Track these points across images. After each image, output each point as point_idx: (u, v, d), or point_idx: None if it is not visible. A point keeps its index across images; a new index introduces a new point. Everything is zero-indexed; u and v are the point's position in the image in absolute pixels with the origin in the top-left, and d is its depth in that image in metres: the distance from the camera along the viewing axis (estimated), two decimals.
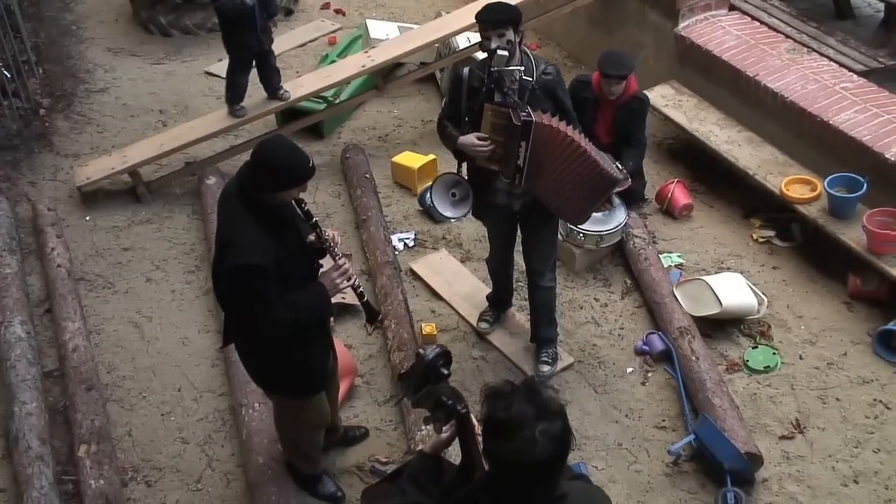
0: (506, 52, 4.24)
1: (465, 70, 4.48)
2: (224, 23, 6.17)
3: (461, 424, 2.79)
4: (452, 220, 4.86)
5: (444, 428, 2.82)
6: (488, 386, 2.50)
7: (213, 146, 6.78)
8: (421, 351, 3.00)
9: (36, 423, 4.67)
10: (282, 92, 6.48)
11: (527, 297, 5.18)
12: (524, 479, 2.40)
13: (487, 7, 4.39)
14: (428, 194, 5.87)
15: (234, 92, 6.44)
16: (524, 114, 4.18)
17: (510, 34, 4.25)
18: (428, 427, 4.18)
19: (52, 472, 4.48)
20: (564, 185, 4.38)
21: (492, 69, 4.28)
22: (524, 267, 5.00)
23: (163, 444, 4.80)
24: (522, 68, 4.33)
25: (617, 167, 4.52)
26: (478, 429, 2.77)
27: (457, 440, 2.83)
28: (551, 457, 2.36)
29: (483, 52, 4.37)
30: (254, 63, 6.36)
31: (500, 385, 2.49)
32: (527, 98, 4.32)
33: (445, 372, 2.96)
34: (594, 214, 5.40)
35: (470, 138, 4.35)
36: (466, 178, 4.62)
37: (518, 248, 4.97)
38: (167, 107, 7.53)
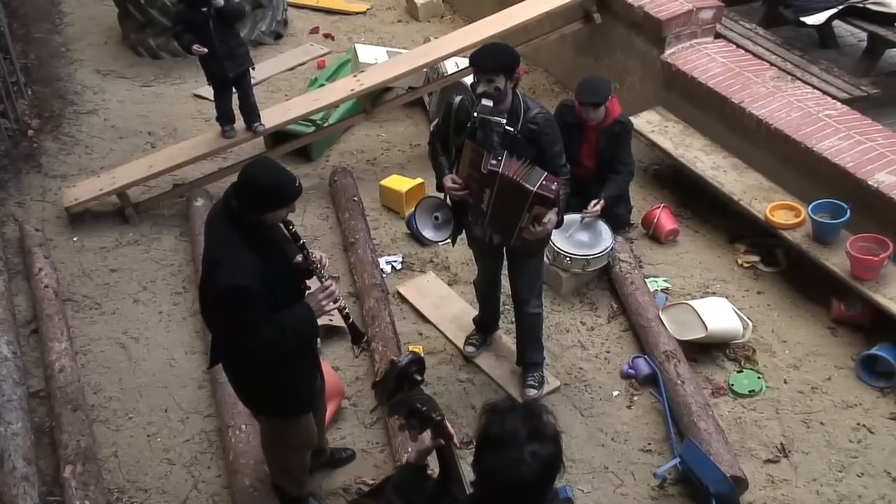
0: (489, 103, 4.18)
1: (457, 100, 4.47)
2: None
3: (436, 431, 2.80)
4: (437, 244, 4.88)
5: (418, 435, 2.83)
6: (489, 401, 2.54)
7: (202, 168, 6.79)
8: (394, 358, 3.04)
9: (21, 443, 4.64)
10: (255, 125, 6.48)
11: (513, 320, 5.20)
12: (509, 498, 2.42)
13: (482, 49, 4.33)
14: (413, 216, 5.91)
15: (220, 115, 6.47)
16: (493, 162, 4.17)
17: (500, 81, 4.17)
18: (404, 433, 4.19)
19: (37, 492, 4.45)
20: (508, 219, 4.37)
21: (474, 115, 4.25)
22: (511, 291, 5.03)
23: (149, 466, 4.78)
24: (504, 121, 4.24)
25: (549, 186, 4.25)
26: (456, 439, 2.80)
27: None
28: (538, 478, 2.39)
29: (473, 91, 4.34)
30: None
31: (501, 401, 2.53)
32: (506, 144, 4.29)
33: (419, 378, 2.99)
34: (580, 238, 5.46)
35: (447, 180, 4.42)
36: (450, 203, 4.66)
37: (505, 271, 5.00)
38: (156, 129, 7.55)
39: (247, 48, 6.32)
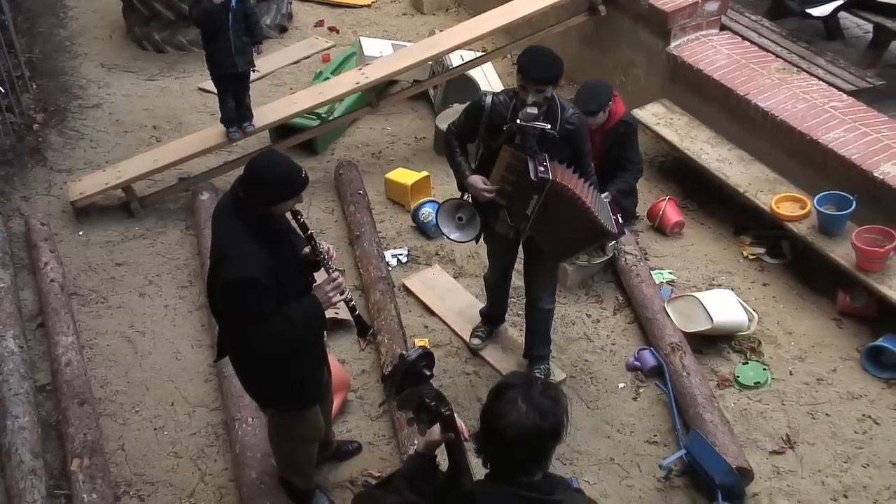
0: (535, 111, 4.17)
1: (488, 100, 4.41)
2: (203, 36, 6.23)
3: (445, 426, 2.81)
4: (461, 243, 4.87)
5: (427, 430, 2.84)
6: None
7: (207, 162, 6.80)
8: (403, 353, 3.04)
9: (28, 437, 4.66)
10: (246, 125, 6.48)
11: (519, 312, 5.20)
12: (507, 448, 2.53)
13: (534, 59, 4.21)
14: (430, 220, 5.91)
15: (223, 113, 6.47)
16: (541, 169, 4.17)
17: (549, 91, 4.20)
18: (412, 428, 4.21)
19: (44, 486, 4.47)
20: (561, 233, 4.44)
21: (518, 121, 4.22)
22: (519, 283, 5.03)
23: (156, 459, 4.79)
24: (548, 126, 4.24)
25: (615, 221, 4.55)
26: (464, 432, 2.82)
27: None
28: (534, 427, 2.51)
29: (517, 98, 4.30)
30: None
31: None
32: (546, 145, 4.30)
33: (428, 373, 2.99)
34: None
35: (477, 182, 4.39)
36: (469, 200, 4.65)
37: (517, 266, 5.00)
38: (161, 123, 7.55)
39: (252, 50, 6.31)
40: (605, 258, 5.67)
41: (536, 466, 2.60)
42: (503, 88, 4.69)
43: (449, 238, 4.76)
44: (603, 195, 5.53)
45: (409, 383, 2.96)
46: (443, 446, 2.83)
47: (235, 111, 6.45)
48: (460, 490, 2.71)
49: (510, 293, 5.34)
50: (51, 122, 7.43)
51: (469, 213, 4.63)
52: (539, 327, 4.99)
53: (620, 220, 4.61)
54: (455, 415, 2.85)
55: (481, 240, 4.82)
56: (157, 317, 5.69)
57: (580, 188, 4.30)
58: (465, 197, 4.66)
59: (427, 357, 3.02)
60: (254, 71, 6.44)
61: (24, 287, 5.86)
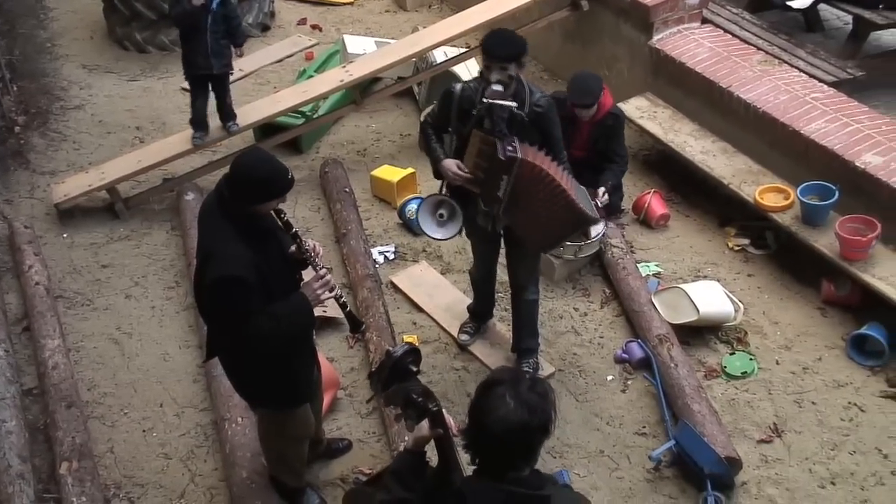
0: (500, 89, 4.20)
1: (458, 87, 4.47)
2: (180, 36, 6.21)
3: (433, 421, 2.81)
4: (443, 241, 4.88)
5: (415, 426, 2.84)
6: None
7: (191, 162, 6.78)
8: (390, 349, 3.04)
9: (16, 441, 4.64)
10: (230, 124, 6.48)
11: (507, 307, 5.22)
12: (495, 443, 2.54)
13: (495, 38, 4.32)
14: (414, 217, 5.90)
15: (193, 116, 6.45)
16: (510, 148, 4.18)
17: (513, 69, 4.23)
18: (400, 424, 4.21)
19: (33, 490, 4.45)
20: (539, 219, 4.41)
21: (484, 99, 4.25)
22: (505, 279, 5.04)
23: (145, 460, 4.78)
24: (515, 105, 4.27)
25: (594, 206, 4.56)
26: (452, 427, 2.83)
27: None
28: (521, 422, 2.51)
29: (481, 78, 4.34)
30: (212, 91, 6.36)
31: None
32: (515, 129, 4.31)
33: (414, 369, 2.99)
34: None
35: (450, 165, 4.40)
36: (449, 195, 4.65)
37: (502, 260, 5.01)
38: (144, 123, 7.52)
39: (231, 52, 6.28)
40: (592, 251, 5.67)
41: (525, 462, 2.61)
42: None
43: (432, 237, 4.76)
44: (599, 189, 5.57)
45: (395, 380, 2.96)
46: (433, 442, 2.84)
47: (219, 112, 6.44)
48: (450, 486, 2.71)
49: (497, 288, 5.35)
50: (33, 124, 7.38)
51: (450, 210, 4.64)
52: (526, 319, 5.00)
53: (600, 206, 4.62)
54: (443, 410, 2.85)
55: (465, 234, 4.83)
56: (144, 318, 5.67)
57: (553, 169, 4.28)
58: (443, 189, 4.66)
59: (413, 353, 3.02)
60: (232, 73, 6.41)
61: (9, 290, 5.82)
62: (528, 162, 4.20)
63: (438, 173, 4.56)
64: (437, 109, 4.64)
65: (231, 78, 6.47)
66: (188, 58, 6.20)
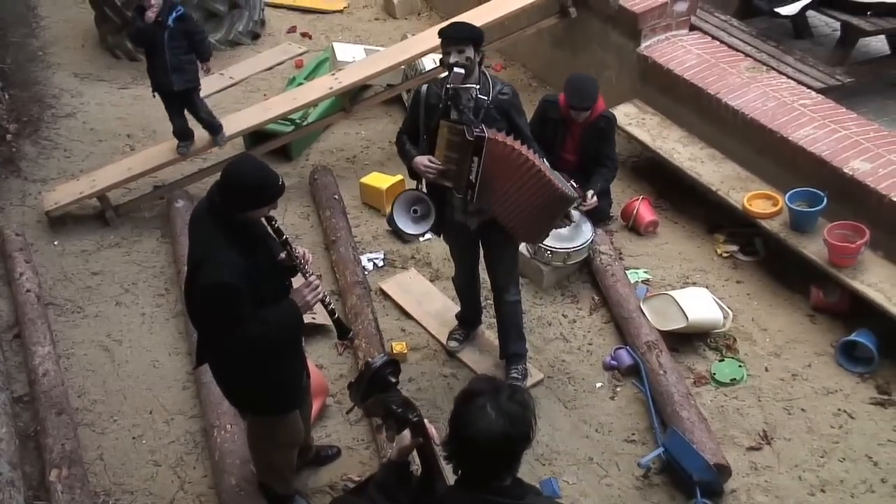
0: (462, 71, 4.31)
1: (424, 87, 4.55)
2: (144, 53, 6.19)
3: (414, 431, 2.81)
4: (417, 238, 4.90)
5: (396, 436, 2.84)
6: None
7: (182, 169, 6.78)
8: (369, 360, 3.04)
9: (6, 448, 4.63)
10: (217, 137, 6.48)
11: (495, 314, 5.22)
12: (477, 454, 2.54)
13: (451, 24, 4.52)
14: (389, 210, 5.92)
15: (174, 129, 6.44)
16: (477, 130, 4.26)
17: (470, 52, 4.33)
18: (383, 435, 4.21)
19: (23, 497, 4.45)
20: (519, 204, 4.43)
21: (448, 85, 4.36)
22: (489, 283, 5.05)
23: (135, 468, 4.78)
24: (478, 87, 4.40)
25: (571, 185, 4.58)
26: (434, 437, 2.83)
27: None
28: (503, 433, 2.51)
29: (442, 67, 4.44)
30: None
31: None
32: (481, 116, 4.39)
33: (393, 380, 2.99)
34: (560, 231, 5.43)
35: (422, 160, 4.44)
36: (426, 193, 4.68)
37: (483, 263, 5.02)
38: (135, 131, 7.53)
39: (197, 67, 6.23)
40: (581, 258, 5.69)
41: (507, 472, 2.61)
42: None
43: (405, 232, 4.78)
44: (588, 192, 5.60)
45: (374, 391, 2.96)
46: (416, 451, 2.84)
47: (201, 125, 6.45)
48: (434, 495, 2.72)
49: (485, 295, 5.35)
50: (24, 132, 7.38)
51: (425, 208, 4.66)
52: (508, 322, 5.01)
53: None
54: (424, 420, 2.85)
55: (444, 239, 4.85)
56: (134, 325, 5.67)
57: (524, 150, 4.33)
58: (420, 186, 4.68)
59: (392, 364, 3.02)
60: (199, 89, 6.35)
61: (0, 297, 5.81)
62: (496, 140, 4.27)
63: (413, 173, 4.59)
64: (408, 114, 4.72)
65: (202, 92, 6.42)
66: (150, 74, 6.20)
